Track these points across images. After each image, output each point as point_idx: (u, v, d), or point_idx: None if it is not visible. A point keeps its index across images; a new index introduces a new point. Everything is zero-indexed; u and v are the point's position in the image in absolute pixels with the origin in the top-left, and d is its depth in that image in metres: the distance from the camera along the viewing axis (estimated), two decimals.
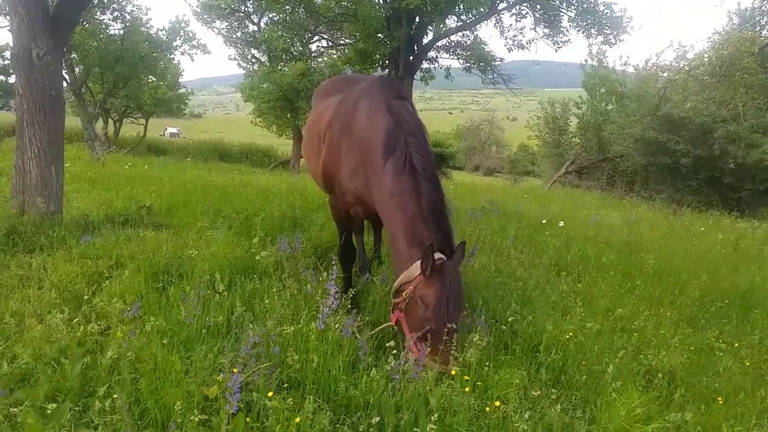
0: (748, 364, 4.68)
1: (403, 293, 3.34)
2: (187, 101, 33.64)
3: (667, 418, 3.44)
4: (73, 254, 4.70)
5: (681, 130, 19.39)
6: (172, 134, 74.32)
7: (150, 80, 26.81)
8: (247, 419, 2.61)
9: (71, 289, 4.03)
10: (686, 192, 19.80)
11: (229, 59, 27.58)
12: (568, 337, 4.23)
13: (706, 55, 11.57)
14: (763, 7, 8.03)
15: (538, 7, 10.18)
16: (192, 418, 2.36)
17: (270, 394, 2.62)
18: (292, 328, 3.23)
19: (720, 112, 16.22)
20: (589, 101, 25.98)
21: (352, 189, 4.08)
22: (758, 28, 11.43)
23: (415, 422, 2.83)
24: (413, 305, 3.30)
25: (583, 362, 3.94)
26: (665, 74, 21.01)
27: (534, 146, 26.82)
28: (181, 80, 31.71)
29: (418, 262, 3.25)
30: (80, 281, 4.21)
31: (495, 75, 13.00)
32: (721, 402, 3.82)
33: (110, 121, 27.99)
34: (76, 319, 3.45)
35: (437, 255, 3.26)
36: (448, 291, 3.20)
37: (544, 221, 8.75)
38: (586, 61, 27.35)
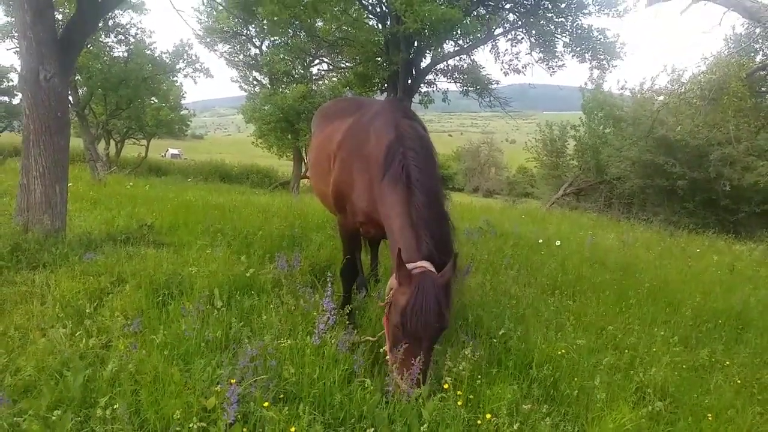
0: (738, 381, 4.75)
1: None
2: (188, 123, 33.92)
3: None
4: (75, 271, 4.79)
5: (677, 153, 19.64)
6: (173, 155, 74.69)
7: (152, 102, 27.09)
8: (244, 429, 2.69)
9: (73, 305, 4.12)
10: (683, 214, 19.95)
11: (232, 81, 27.94)
12: (560, 353, 4.30)
13: (697, 79, 11.84)
14: (755, 33, 8.22)
15: (533, 32, 10.41)
16: (191, 426, 2.43)
17: (266, 404, 2.70)
18: (289, 342, 3.31)
19: (713, 135, 16.46)
20: (587, 124, 26.27)
21: (363, 208, 4.12)
22: (752, 53, 11.66)
23: None
24: (390, 311, 3.30)
25: (575, 378, 4.01)
26: (660, 98, 21.31)
27: (533, 168, 27.02)
28: (183, 102, 32.05)
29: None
30: (82, 297, 4.30)
31: (492, 98, 13.22)
32: (710, 418, 3.89)
33: (112, 142, 28.23)
34: (78, 333, 3.54)
35: (422, 263, 3.26)
36: (420, 300, 3.06)
37: (540, 241, 8.85)
38: (585, 84, 27.77)
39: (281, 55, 23.93)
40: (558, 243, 8.68)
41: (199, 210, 8.35)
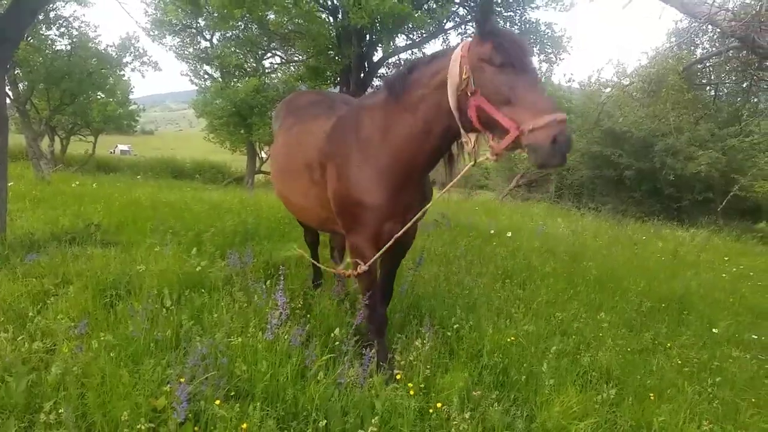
0: (679, 362, 4.98)
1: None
2: (137, 118, 33.04)
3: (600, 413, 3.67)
4: (17, 273, 4.63)
5: (624, 144, 20.32)
6: (122, 151, 72.68)
7: (99, 97, 26.24)
8: (195, 428, 2.67)
9: (15, 308, 3.98)
10: (630, 203, 20.66)
11: (181, 75, 27.23)
12: (510, 340, 4.42)
13: (638, 72, 12.27)
14: (694, 28, 8.61)
15: None
16: (139, 427, 2.41)
17: (218, 402, 2.69)
18: (240, 339, 3.30)
19: (656, 126, 17.12)
20: None
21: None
22: (692, 47, 12.15)
23: (361, 425, 2.95)
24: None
25: (524, 364, 4.12)
26: (607, 90, 21.97)
27: (485, 159, 27.29)
28: (132, 97, 31.19)
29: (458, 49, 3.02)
30: (25, 300, 4.15)
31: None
32: (653, 398, 4.07)
33: (57, 139, 27.24)
34: (21, 337, 3.43)
35: None
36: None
37: (492, 232, 9.02)
38: None
39: (232, 49, 23.51)
40: (509, 234, 8.86)
41: (148, 208, 8.18)
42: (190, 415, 2.69)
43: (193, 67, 27.32)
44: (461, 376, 3.62)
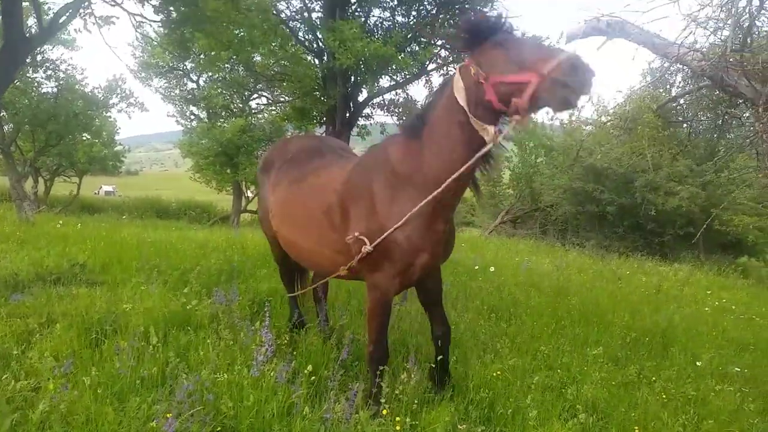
0: (665, 396, 5.02)
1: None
2: (122, 159, 33.03)
3: None
4: (1, 313, 4.60)
5: (605, 180, 20.71)
6: (107, 192, 72.24)
7: (84, 138, 26.27)
8: None
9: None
10: (614, 238, 20.92)
11: (168, 116, 27.48)
12: (495, 375, 4.45)
13: (615, 111, 12.69)
14: (667, 68, 8.96)
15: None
16: None
17: None
18: (226, 376, 3.31)
19: (636, 162, 17.48)
20: (520, 154, 27.29)
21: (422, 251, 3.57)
22: (668, 86, 12.56)
23: None
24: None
25: (510, 399, 4.15)
26: (588, 128, 22.54)
27: (471, 197, 27.58)
28: (117, 137, 31.24)
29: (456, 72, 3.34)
30: (9, 340, 4.12)
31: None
32: (637, 430, 4.11)
33: (41, 180, 27.12)
34: (5, 377, 3.40)
35: None
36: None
37: (476, 267, 9.09)
38: None
39: (219, 90, 23.83)
40: (492, 269, 8.94)
41: (133, 247, 8.15)
42: None
43: (179, 108, 27.60)
44: (447, 411, 3.64)
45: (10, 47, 5.81)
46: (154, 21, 6.91)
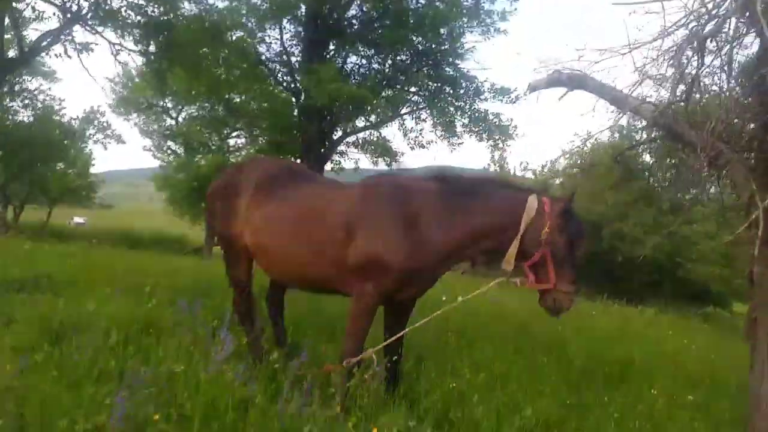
0: (617, 415, 5.16)
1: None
2: (96, 190, 32.74)
3: None
4: None
5: None
6: (78, 223, 70.74)
7: (58, 168, 26.13)
8: None
9: None
10: (583, 284, 21.22)
11: (144, 150, 27.53)
12: (451, 387, 4.55)
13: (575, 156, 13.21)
14: (635, 125, 9.44)
15: (435, 113, 11.37)
16: (77, 427, 2.46)
17: (156, 416, 2.76)
18: (183, 368, 3.37)
19: (597, 208, 18.08)
20: None
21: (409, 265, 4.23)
22: (633, 142, 13.18)
23: None
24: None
25: (465, 409, 4.25)
26: (558, 180, 23.30)
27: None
28: (93, 170, 31.06)
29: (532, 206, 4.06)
30: None
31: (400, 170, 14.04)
32: None
33: (10, 207, 26.72)
34: None
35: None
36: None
37: (444, 298, 9.20)
38: (488, 165, 29.76)
39: (198, 127, 24.02)
40: (460, 299, 9.05)
41: (102, 267, 8.12)
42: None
43: (156, 143, 27.68)
44: (401, 414, 3.73)
45: None
46: (133, 50, 7.13)
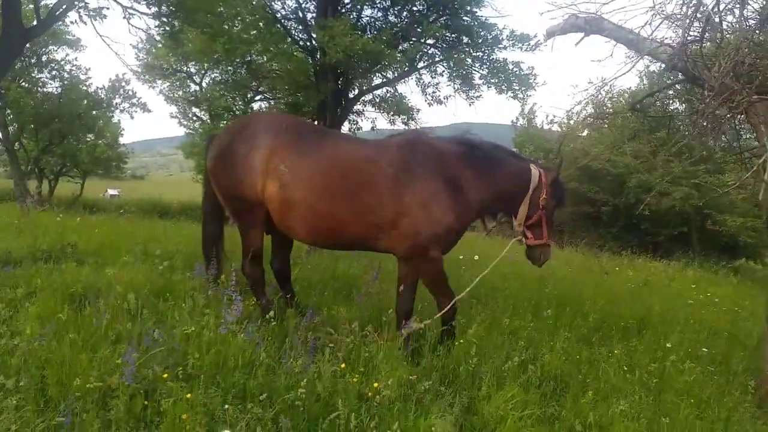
0: (625, 368, 5.23)
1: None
2: (126, 160, 33.35)
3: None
4: None
5: (600, 181, 20.88)
6: (112, 195, 72.39)
7: (89, 139, 26.63)
8: (145, 402, 2.91)
9: None
10: (608, 238, 21.02)
11: (171, 117, 27.73)
12: (459, 343, 4.66)
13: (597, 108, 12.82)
14: (665, 75, 9.16)
15: (452, 65, 11.15)
16: (89, 386, 2.65)
17: (165, 375, 2.94)
18: (194, 329, 3.55)
19: (621, 160, 17.64)
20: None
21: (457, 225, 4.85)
22: (663, 88, 12.77)
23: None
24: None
25: (470, 363, 4.37)
26: (585, 132, 22.78)
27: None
28: (123, 141, 31.53)
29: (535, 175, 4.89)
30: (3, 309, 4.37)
31: (418, 128, 13.88)
32: (591, 394, 4.33)
33: (45, 181, 27.45)
34: None
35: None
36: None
37: (461, 257, 9.29)
38: (516, 120, 29.36)
39: (221, 92, 24.07)
40: (476, 257, 9.13)
41: (127, 234, 8.41)
42: (141, 391, 2.93)
43: (182, 110, 27.86)
44: (404, 369, 3.86)
45: (8, 39, 6.12)
46: (146, 14, 7.20)
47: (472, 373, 4.28)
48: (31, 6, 8.27)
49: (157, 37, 7.50)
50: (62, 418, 2.57)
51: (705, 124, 5.02)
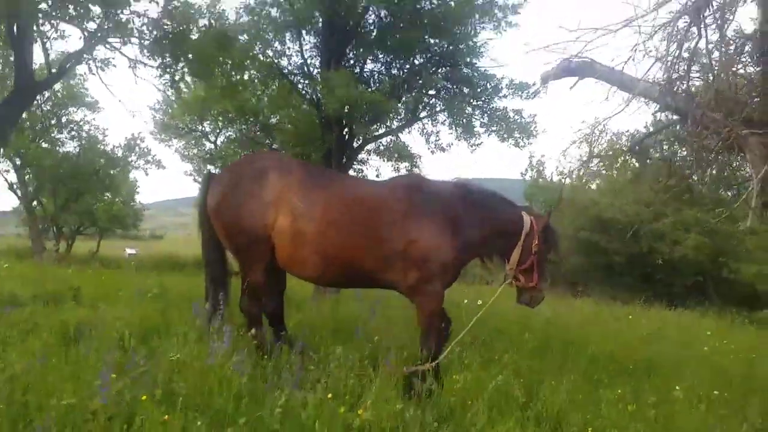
0: (630, 408, 5.09)
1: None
2: (141, 217, 33.83)
3: None
4: None
5: (611, 230, 20.70)
6: (130, 254, 73.27)
7: (105, 197, 27.24)
8: (124, 426, 2.90)
9: None
10: (622, 288, 20.63)
11: (185, 175, 28.35)
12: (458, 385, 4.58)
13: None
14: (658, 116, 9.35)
15: (451, 113, 11.40)
16: (63, 403, 2.66)
17: (144, 397, 2.94)
18: (178, 356, 3.55)
19: (629, 208, 17.54)
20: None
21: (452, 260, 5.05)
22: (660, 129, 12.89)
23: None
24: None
25: (469, 401, 4.29)
26: (594, 184, 23.00)
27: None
28: (143, 202, 32.23)
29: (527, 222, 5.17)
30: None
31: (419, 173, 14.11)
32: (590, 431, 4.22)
33: (63, 242, 27.93)
34: None
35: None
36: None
37: (465, 301, 9.18)
38: (525, 171, 29.62)
39: (234, 149, 24.67)
40: (479, 302, 9.03)
41: (132, 284, 8.46)
42: (123, 413, 2.93)
43: (197, 168, 28.52)
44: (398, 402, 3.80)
45: (20, 92, 6.44)
46: (150, 65, 7.58)
47: (469, 408, 4.19)
48: (42, 62, 8.80)
49: (161, 87, 7.84)
50: None
51: (691, 157, 5.06)
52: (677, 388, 5.90)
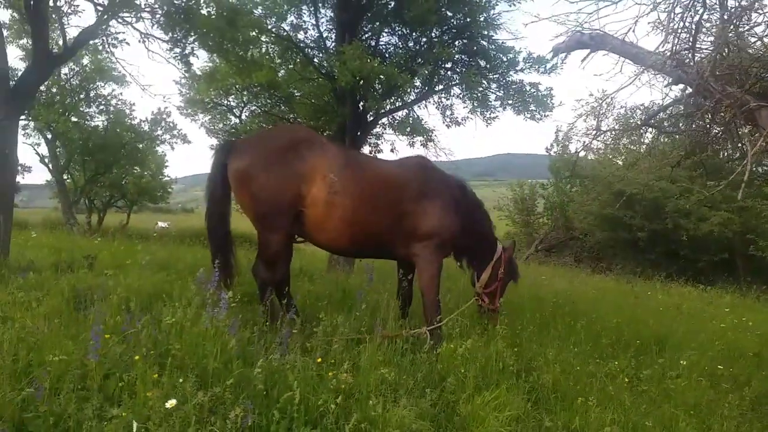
0: (627, 380, 5.11)
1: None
2: (170, 190, 34.44)
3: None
4: (10, 288, 5.16)
5: (635, 206, 20.36)
6: (162, 227, 74.82)
7: (135, 170, 27.81)
8: (120, 383, 3.07)
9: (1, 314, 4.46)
10: (646, 265, 20.39)
11: (211, 149, 28.70)
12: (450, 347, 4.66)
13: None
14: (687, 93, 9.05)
15: (466, 86, 11.26)
16: (56, 359, 2.82)
17: (137, 357, 3.10)
18: (174, 319, 3.69)
19: (656, 184, 17.15)
20: (554, 183, 27.32)
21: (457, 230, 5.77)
22: (674, 103, 12.51)
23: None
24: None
25: (462, 371, 4.37)
26: (620, 160, 22.57)
27: (505, 226, 27.63)
28: (175, 176, 32.82)
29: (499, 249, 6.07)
30: (12, 308, 4.64)
31: (438, 150, 13.99)
32: (580, 401, 4.26)
33: (95, 215, 28.68)
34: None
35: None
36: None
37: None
38: (551, 146, 29.17)
39: (259, 123, 24.87)
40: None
41: (150, 252, 8.69)
42: (115, 372, 3.09)
43: (222, 142, 28.83)
44: (390, 371, 3.89)
45: (37, 65, 6.63)
46: (161, 39, 7.71)
47: (461, 376, 4.27)
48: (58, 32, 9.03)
49: (172, 61, 7.95)
50: (32, 389, 2.75)
51: (693, 126, 4.97)
52: (683, 363, 5.89)
